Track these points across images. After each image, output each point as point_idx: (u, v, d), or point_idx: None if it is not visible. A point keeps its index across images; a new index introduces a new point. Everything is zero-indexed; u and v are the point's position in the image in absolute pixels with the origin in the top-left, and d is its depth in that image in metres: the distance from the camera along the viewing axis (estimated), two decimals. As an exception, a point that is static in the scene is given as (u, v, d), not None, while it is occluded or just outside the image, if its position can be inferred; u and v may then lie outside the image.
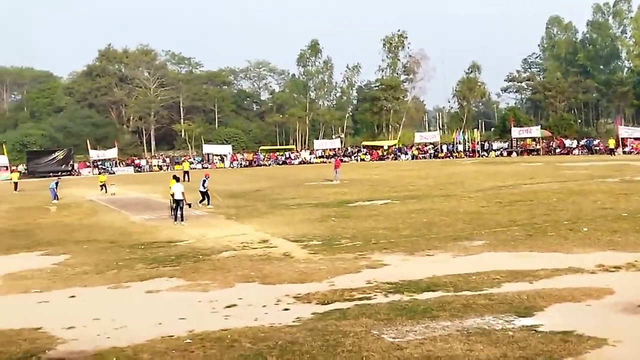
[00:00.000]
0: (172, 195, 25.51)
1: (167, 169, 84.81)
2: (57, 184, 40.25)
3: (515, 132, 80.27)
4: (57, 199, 38.47)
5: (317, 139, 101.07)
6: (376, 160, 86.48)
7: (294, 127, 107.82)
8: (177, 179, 26.54)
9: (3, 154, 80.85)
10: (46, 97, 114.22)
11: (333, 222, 23.63)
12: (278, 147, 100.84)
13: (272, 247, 18.70)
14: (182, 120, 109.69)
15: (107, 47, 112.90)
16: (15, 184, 51.93)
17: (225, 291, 13.28)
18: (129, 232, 23.61)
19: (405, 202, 28.83)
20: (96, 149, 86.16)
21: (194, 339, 9.94)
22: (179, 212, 25.26)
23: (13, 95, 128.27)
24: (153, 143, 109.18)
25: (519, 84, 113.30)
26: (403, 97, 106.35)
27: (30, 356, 9.54)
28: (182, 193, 25.29)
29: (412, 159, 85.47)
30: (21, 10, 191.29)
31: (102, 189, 43.78)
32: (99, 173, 60.14)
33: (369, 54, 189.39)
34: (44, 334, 10.74)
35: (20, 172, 67.86)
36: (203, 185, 30.84)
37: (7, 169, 78.48)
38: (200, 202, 30.40)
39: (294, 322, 10.74)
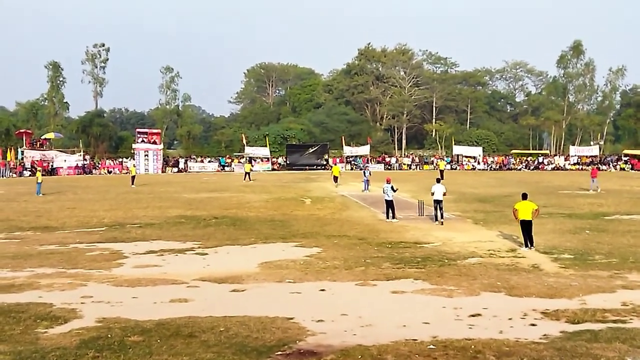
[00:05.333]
0: (433, 194, 26.33)
1: (417, 168, 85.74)
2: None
3: None
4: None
5: (574, 144, 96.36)
6: (638, 170, 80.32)
7: (549, 131, 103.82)
8: (438, 180, 27.18)
9: (266, 145, 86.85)
10: (307, 93, 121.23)
11: (587, 235, 22.42)
12: (531, 151, 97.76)
13: (520, 257, 18.19)
14: (433, 120, 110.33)
15: (366, 46, 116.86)
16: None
17: (470, 299, 13.18)
18: (377, 230, 24.20)
19: (671, 219, 26.57)
20: (350, 145, 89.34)
21: (437, 345, 9.99)
22: (439, 213, 26.04)
23: (278, 91, 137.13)
24: (404, 141, 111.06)
25: None
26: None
27: (283, 345, 10.14)
28: (444, 194, 26.30)
29: (683, 171, 78.15)
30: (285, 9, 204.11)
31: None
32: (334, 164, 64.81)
33: (636, 56, 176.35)
34: (296, 324, 11.38)
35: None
36: (393, 190, 27.37)
37: (268, 160, 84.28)
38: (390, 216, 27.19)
39: (540, 339, 10.40)
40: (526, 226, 19.64)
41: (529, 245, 19.40)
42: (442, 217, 26.15)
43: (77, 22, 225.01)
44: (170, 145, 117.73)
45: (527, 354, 9.55)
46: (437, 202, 26.17)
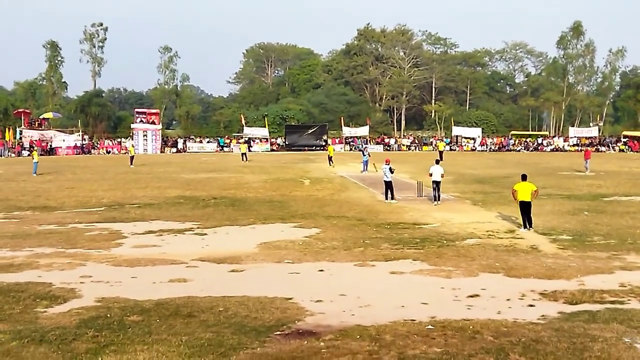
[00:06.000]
0: (431, 175, 26.64)
1: (416, 149, 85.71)
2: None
3: None
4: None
5: (573, 125, 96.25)
6: (637, 151, 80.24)
7: (549, 112, 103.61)
8: (437, 161, 27.64)
9: (264, 126, 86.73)
10: (306, 73, 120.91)
11: (585, 216, 22.44)
12: (530, 132, 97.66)
13: (518, 238, 18.23)
14: (433, 101, 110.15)
15: (366, 26, 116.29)
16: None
17: (468, 280, 13.21)
18: (375, 211, 24.20)
19: (670, 200, 26.59)
20: (349, 126, 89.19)
21: (435, 326, 10.02)
22: (437, 193, 26.36)
23: (277, 71, 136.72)
24: (403, 122, 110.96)
25: None
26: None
27: (282, 325, 10.17)
28: (442, 175, 26.59)
29: (681, 152, 78.05)
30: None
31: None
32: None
33: (636, 37, 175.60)
34: (294, 304, 11.41)
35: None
36: (391, 171, 27.41)
37: (267, 140, 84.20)
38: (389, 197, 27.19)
39: (538, 319, 10.44)
40: (525, 207, 19.65)
41: (528, 227, 19.42)
42: (439, 197, 26.39)
43: (75, 1, 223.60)
44: (169, 126, 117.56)
45: (525, 335, 9.57)
46: (436, 183, 26.42)
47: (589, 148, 60.50)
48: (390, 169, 27.11)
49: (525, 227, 19.51)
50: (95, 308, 11.10)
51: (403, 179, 35.81)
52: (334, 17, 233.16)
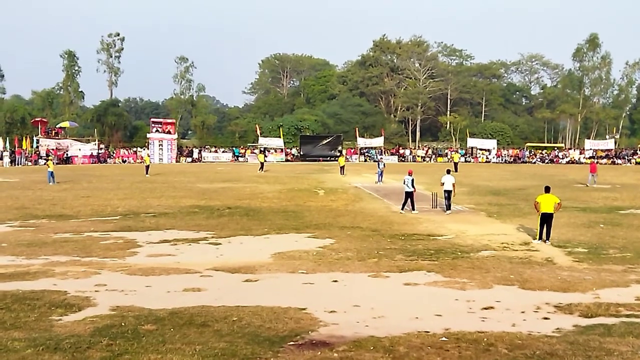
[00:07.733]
0: (442, 184, 27.29)
1: (431, 160, 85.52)
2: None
3: None
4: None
5: (589, 138, 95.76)
6: (654, 164, 79.56)
7: (565, 123, 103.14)
8: (449, 171, 28.26)
9: (279, 136, 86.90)
10: (321, 84, 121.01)
11: (601, 229, 22.31)
12: (545, 144, 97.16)
13: (533, 250, 18.15)
14: (448, 112, 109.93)
15: (381, 37, 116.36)
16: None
17: (482, 292, 13.16)
18: (390, 222, 24.18)
19: (686, 214, 26.37)
20: (363, 137, 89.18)
21: (449, 338, 9.99)
22: (447, 202, 26.99)
23: (292, 82, 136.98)
24: (418, 133, 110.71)
25: None
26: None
27: (295, 335, 10.16)
28: (453, 184, 27.03)
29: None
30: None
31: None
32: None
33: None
34: (308, 315, 11.39)
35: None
36: (412, 184, 27.26)
37: (282, 151, 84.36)
38: (404, 207, 27.36)
39: (553, 332, 10.38)
40: (547, 219, 19.51)
41: (545, 239, 19.30)
42: (450, 207, 26.92)
43: (92, 11, 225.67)
44: (184, 135, 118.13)
45: (539, 348, 9.52)
46: (447, 192, 26.94)
47: (595, 161, 60.20)
48: (412, 180, 27.06)
49: (540, 238, 19.41)
50: (109, 317, 11.14)
51: (418, 190, 35.60)
52: (350, 29, 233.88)
